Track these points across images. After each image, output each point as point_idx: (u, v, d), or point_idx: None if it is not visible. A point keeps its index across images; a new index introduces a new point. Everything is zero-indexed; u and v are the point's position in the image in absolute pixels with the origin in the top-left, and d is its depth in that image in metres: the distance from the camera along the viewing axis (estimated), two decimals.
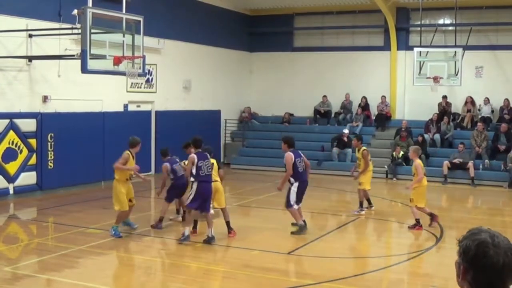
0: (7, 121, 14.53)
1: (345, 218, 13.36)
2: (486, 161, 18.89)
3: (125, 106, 18.57)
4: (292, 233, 11.19)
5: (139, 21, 13.07)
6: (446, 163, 18.80)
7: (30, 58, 14.98)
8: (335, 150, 20.95)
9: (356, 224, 12.82)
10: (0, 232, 11.71)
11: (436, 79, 18.86)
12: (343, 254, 10.32)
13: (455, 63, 19.24)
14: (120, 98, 18.24)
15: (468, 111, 21.14)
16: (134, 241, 10.73)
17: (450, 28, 21.76)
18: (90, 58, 11.99)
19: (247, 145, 23.18)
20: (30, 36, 14.87)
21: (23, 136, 14.94)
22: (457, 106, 21.87)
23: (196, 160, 10.12)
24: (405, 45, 22.65)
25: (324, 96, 23.22)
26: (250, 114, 24.17)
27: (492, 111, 21.04)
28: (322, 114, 23.33)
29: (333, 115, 23.33)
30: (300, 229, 11.12)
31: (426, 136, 20.38)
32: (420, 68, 19.49)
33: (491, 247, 2.17)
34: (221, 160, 22.06)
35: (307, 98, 23.63)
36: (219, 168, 11.47)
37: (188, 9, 21.31)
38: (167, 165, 11.76)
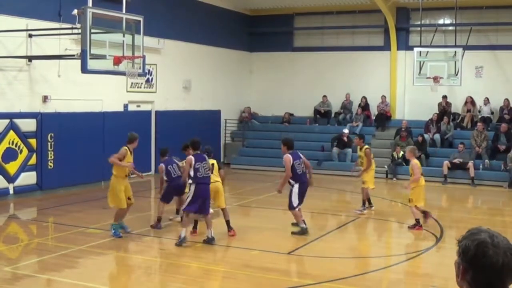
0: (7, 121, 14.53)
1: (345, 218, 13.37)
2: (486, 161, 18.89)
3: (125, 106, 18.57)
4: (293, 233, 11.19)
5: (139, 21, 13.07)
6: (446, 163, 18.81)
7: (30, 58, 14.98)
8: (335, 150, 20.95)
9: (356, 224, 12.83)
10: (0, 232, 11.71)
11: (436, 79, 18.86)
12: (343, 254, 10.31)
13: (455, 63, 19.24)
14: (120, 98, 18.24)
15: (468, 111, 21.15)
16: (134, 241, 10.73)
17: (450, 28, 21.76)
18: (90, 58, 11.98)
19: (247, 145, 23.18)
20: (30, 36, 14.87)
21: (23, 136, 14.94)
22: (457, 106, 21.87)
23: (193, 162, 10.11)
24: (405, 45, 22.65)
25: (324, 96, 23.22)
26: (250, 114, 24.17)
27: (492, 113, 21.04)
28: (322, 114, 23.34)
29: (333, 115, 23.34)
30: (302, 231, 11.11)
31: (426, 136, 20.38)
32: (420, 68, 19.49)
33: (491, 247, 2.17)
34: (221, 160, 22.07)
35: (307, 98, 23.63)
36: (219, 168, 11.45)
37: (188, 9, 21.32)
38: (162, 166, 11.81)
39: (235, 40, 24.10)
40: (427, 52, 19.97)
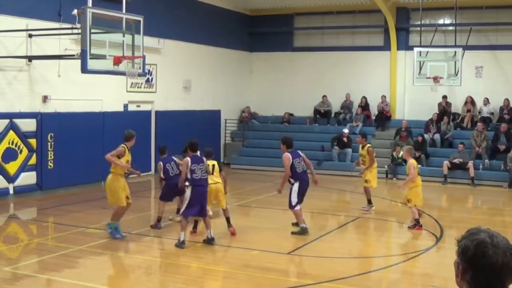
0: (7, 121, 14.53)
1: (345, 218, 13.37)
2: (486, 161, 18.89)
3: (125, 106, 18.57)
4: (293, 233, 11.19)
5: (139, 21, 13.07)
6: (446, 163, 18.81)
7: (30, 58, 14.98)
8: (335, 150, 20.95)
9: (356, 224, 12.83)
10: (0, 232, 11.71)
11: (436, 79, 18.86)
12: (343, 254, 10.31)
13: (455, 63, 19.24)
14: (120, 98, 18.24)
15: (468, 111, 21.15)
16: (134, 241, 10.72)
17: (450, 28, 21.76)
18: (90, 58, 11.98)
19: (247, 145, 23.18)
20: (30, 36, 14.88)
21: (23, 136, 14.94)
22: (457, 106, 21.87)
23: (189, 164, 10.10)
24: (405, 45, 22.65)
25: (324, 96, 23.22)
26: (250, 114, 24.17)
27: (492, 113, 21.04)
28: (322, 114, 23.34)
29: (333, 115, 23.34)
30: (302, 231, 11.11)
31: (426, 136, 20.38)
32: (420, 68, 19.49)
33: (490, 247, 2.17)
34: (221, 160, 22.07)
35: (307, 98, 23.63)
36: (220, 170, 11.43)
37: (188, 9, 21.32)
38: (160, 164, 11.84)
39: (235, 40, 24.10)
40: (427, 52, 19.97)
